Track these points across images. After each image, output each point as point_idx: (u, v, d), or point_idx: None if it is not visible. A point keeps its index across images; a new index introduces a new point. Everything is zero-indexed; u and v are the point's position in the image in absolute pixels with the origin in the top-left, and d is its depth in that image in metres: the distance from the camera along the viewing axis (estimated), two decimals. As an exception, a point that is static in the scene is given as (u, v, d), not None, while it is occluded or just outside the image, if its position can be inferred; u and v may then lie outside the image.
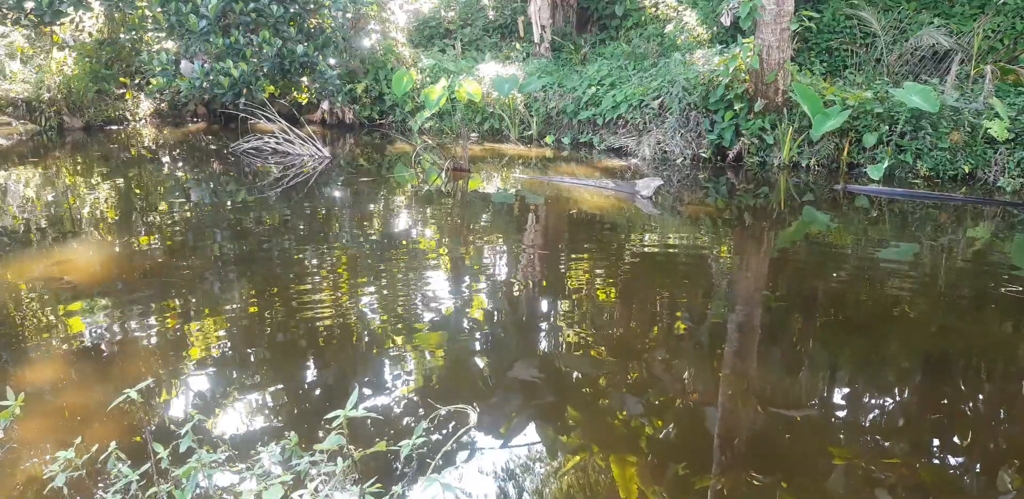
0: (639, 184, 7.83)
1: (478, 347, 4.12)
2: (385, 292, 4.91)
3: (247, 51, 10.80)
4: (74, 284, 4.85)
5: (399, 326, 4.32)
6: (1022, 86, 8.78)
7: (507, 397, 3.52)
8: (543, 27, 12.79)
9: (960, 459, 3.09)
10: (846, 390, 3.74)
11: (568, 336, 4.31)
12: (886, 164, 8.29)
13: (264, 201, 7.55)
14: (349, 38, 12.08)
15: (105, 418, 3.13)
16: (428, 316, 4.49)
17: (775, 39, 8.84)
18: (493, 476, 2.90)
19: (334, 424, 2.11)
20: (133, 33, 12.48)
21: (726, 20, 9.38)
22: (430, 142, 10.09)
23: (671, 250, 6.07)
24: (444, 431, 3.19)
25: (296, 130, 10.08)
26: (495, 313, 4.63)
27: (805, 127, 8.93)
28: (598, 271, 5.48)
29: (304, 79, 11.98)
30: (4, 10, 10.48)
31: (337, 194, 8.34)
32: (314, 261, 5.57)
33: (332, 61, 11.80)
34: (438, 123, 11.92)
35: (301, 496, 2.10)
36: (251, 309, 4.56)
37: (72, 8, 10.85)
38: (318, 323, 4.32)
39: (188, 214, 7.00)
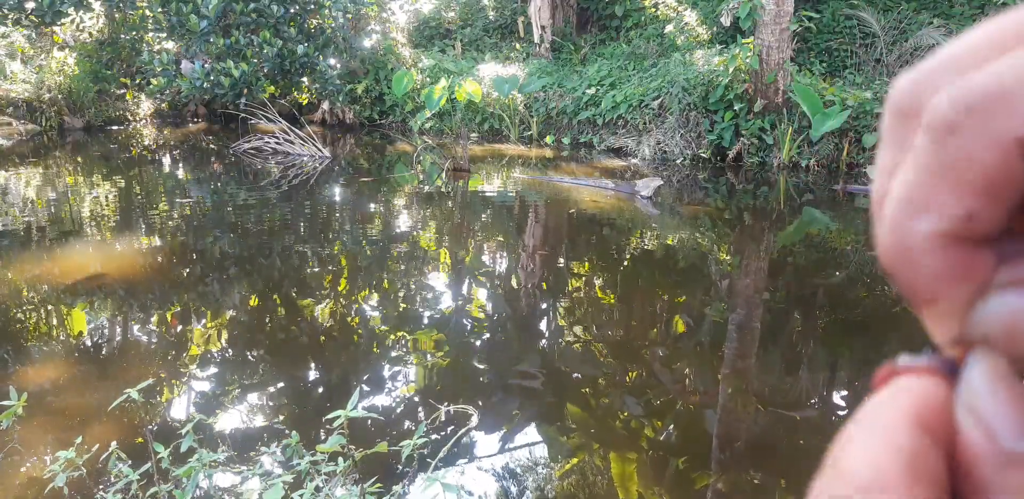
0: (639, 184, 7.83)
1: (479, 347, 4.13)
2: (386, 292, 4.92)
3: (248, 51, 10.81)
4: (75, 284, 4.86)
5: (400, 326, 4.32)
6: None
7: (508, 397, 3.53)
8: (543, 27, 12.79)
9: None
10: (846, 390, 3.75)
11: (568, 336, 4.31)
12: (886, 164, 8.29)
13: (265, 201, 7.55)
14: (349, 38, 12.09)
15: (106, 418, 3.13)
16: (429, 316, 4.50)
17: (775, 39, 8.84)
18: (494, 476, 2.90)
19: (335, 424, 2.12)
20: (134, 33, 12.49)
21: (726, 20, 9.39)
22: (430, 142, 10.10)
23: (671, 250, 6.08)
24: (445, 431, 3.20)
25: (296, 130, 10.09)
26: (495, 313, 4.64)
27: (805, 127, 8.93)
28: (598, 271, 5.48)
29: (304, 79, 12.00)
30: (5, 10, 10.49)
31: (338, 194, 8.34)
32: (315, 261, 5.58)
33: (332, 61, 11.80)
34: (438, 123, 11.92)
35: (302, 496, 2.10)
36: (252, 309, 4.56)
37: (73, 8, 10.86)
38: (319, 323, 4.32)
39: (188, 214, 7.01)
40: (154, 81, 11.38)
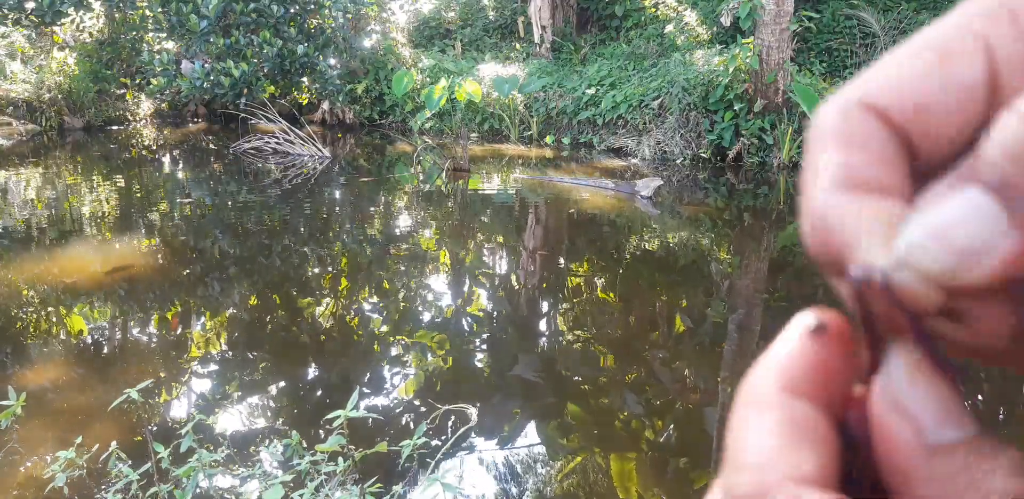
0: (639, 184, 7.83)
1: (479, 347, 4.13)
2: (386, 292, 4.92)
3: (248, 51, 10.81)
4: (75, 284, 4.86)
5: (400, 326, 4.32)
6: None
7: (508, 397, 3.53)
8: (543, 27, 12.79)
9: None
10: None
11: (568, 336, 4.31)
12: (886, 164, 8.30)
13: (265, 201, 7.55)
14: (349, 38, 12.09)
15: (106, 418, 3.13)
16: (428, 316, 4.50)
17: (775, 39, 8.85)
18: (494, 476, 2.90)
19: (335, 424, 2.12)
20: (134, 33, 12.49)
21: (726, 20, 9.39)
22: (430, 142, 10.10)
23: (671, 250, 6.08)
24: (445, 431, 3.20)
25: (296, 130, 10.09)
26: (495, 313, 4.64)
27: (805, 127, 8.93)
28: (598, 271, 5.48)
29: (304, 79, 12.00)
30: (5, 10, 10.49)
31: (338, 194, 8.34)
32: (315, 261, 5.58)
33: (332, 61, 11.81)
34: (438, 123, 11.92)
35: (302, 496, 2.11)
36: (252, 309, 4.57)
37: (73, 8, 10.86)
38: (319, 323, 4.32)
39: (188, 214, 7.01)
40: (154, 81, 11.37)
